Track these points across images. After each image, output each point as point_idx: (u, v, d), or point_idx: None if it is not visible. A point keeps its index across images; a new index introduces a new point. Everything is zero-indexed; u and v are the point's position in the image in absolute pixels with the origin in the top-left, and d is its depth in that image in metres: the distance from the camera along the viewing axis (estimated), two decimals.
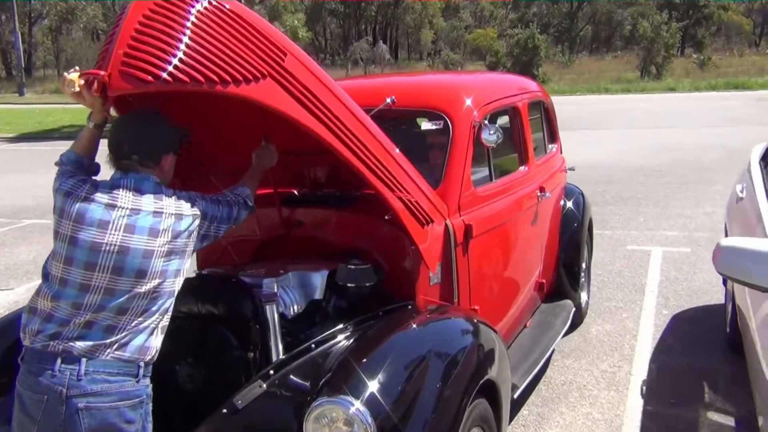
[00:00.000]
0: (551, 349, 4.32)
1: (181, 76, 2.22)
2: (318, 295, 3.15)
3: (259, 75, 2.41)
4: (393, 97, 3.72)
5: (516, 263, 4.23)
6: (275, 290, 3.00)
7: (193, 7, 2.32)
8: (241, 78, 2.35)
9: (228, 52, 2.34)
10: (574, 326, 5.23)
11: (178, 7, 2.29)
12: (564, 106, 13.76)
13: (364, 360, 2.59)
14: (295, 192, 3.71)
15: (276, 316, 2.82)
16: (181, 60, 2.23)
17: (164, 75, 2.20)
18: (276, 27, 2.79)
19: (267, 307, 2.80)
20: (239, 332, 2.84)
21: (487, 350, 3.03)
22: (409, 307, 3.24)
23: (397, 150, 3.12)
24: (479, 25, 62.67)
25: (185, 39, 2.26)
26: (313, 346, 2.84)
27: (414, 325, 2.99)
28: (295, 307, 3.09)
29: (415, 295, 3.30)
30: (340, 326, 2.97)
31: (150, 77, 2.18)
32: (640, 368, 4.76)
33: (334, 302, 3.18)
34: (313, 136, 2.67)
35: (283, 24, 37.93)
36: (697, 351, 5.01)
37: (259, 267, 3.22)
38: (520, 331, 4.40)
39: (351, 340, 2.90)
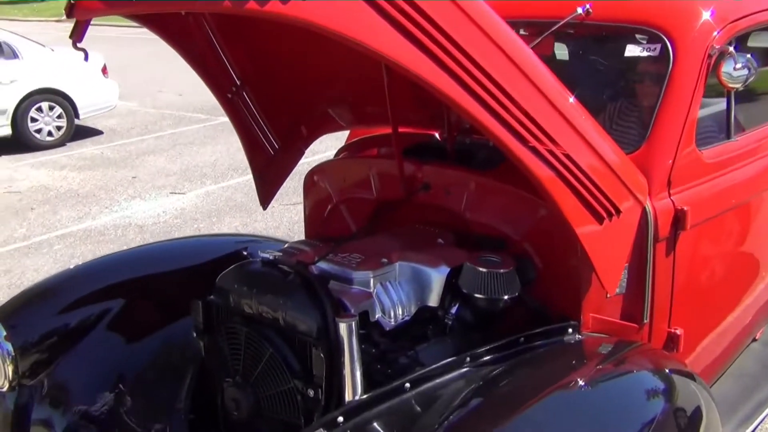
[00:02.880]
0: None
1: None
2: (433, 301, 2.18)
3: None
4: (588, 6, 2.52)
5: (745, 264, 2.90)
6: (370, 292, 2.09)
7: None
8: None
9: None
10: None
11: None
12: None
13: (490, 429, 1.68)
14: (436, 136, 2.69)
15: (355, 338, 1.91)
16: None
17: None
18: None
19: (342, 324, 1.89)
20: (301, 353, 1.98)
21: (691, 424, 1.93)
22: (570, 334, 2.17)
23: (572, 98, 1.97)
24: None
25: None
26: (408, 385, 1.91)
27: (577, 381, 1.95)
28: (399, 315, 2.15)
29: (580, 311, 2.21)
30: (455, 357, 2.01)
31: None
32: None
33: (455, 315, 2.19)
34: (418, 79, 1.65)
35: None
36: None
37: (358, 246, 2.30)
38: (743, 349, 3.10)
39: (469, 385, 1.94)
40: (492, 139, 1.86)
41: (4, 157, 9.33)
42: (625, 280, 2.28)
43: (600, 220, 2.04)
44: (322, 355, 1.90)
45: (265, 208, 2.99)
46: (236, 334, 2.08)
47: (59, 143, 9.82)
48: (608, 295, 2.21)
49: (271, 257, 2.11)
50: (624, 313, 2.33)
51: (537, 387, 1.92)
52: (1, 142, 9.44)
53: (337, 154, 3.05)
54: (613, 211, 2.07)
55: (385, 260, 2.20)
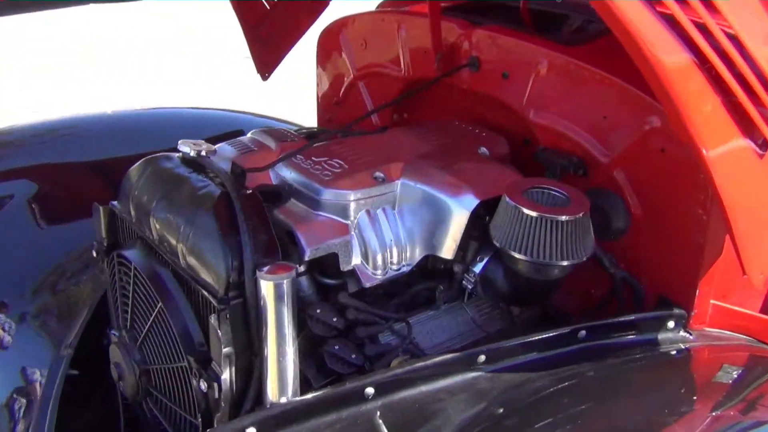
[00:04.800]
0: None
1: None
2: (446, 249, 1.33)
3: None
4: None
5: None
6: (346, 222, 1.28)
7: None
8: None
9: None
10: None
11: None
12: None
13: None
14: None
15: (288, 307, 1.11)
16: None
17: None
18: None
19: (265, 284, 1.10)
20: (205, 318, 1.21)
21: None
22: (672, 330, 1.30)
23: None
24: None
25: None
26: (370, 391, 1.13)
27: None
28: (390, 264, 1.34)
29: (694, 294, 1.32)
30: (464, 350, 1.19)
31: None
32: None
33: (479, 277, 1.34)
34: None
35: None
36: None
37: (350, 146, 1.47)
38: None
39: (479, 402, 1.14)
40: None
41: None
42: None
43: (758, 154, 1.10)
44: (219, 330, 1.12)
45: (265, 77, 2.17)
46: (126, 267, 1.34)
47: None
48: (745, 275, 1.30)
49: (192, 152, 1.30)
50: None
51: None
52: None
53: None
54: None
55: (379, 174, 1.37)
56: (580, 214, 1.19)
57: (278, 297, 1.12)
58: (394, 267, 1.36)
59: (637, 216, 1.36)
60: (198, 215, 1.19)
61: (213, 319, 1.13)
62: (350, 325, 1.29)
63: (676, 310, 1.31)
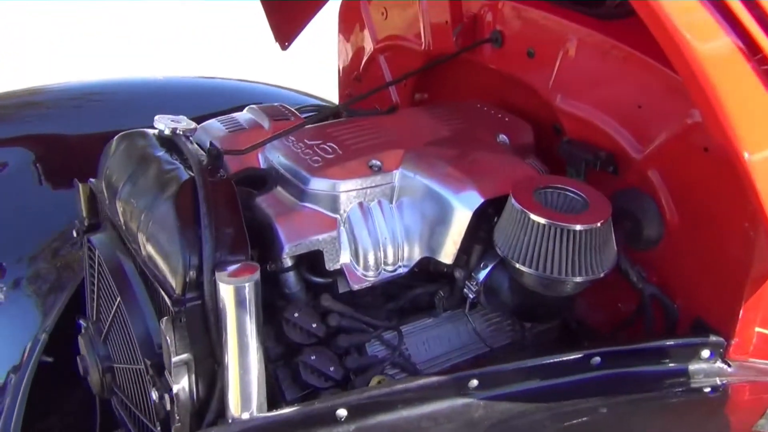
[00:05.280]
0: None
1: None
2: (446, 253, 1.17)
3: None
4: None
5: None
6: (335, 217, 1.14)
7: None
8: None
9: None
10: None
11: None
12: None
13: None
14: None
15: (251, 314, 0.97)
16: None
17: None
18: None
19: (225, 287, 0.96)
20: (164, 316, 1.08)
21: None
22: (708, 361, 1.11)
23: None
24: None
25: None
26: (343, 414, 0.98)
27: None
28: (384, 264, 1.19)
29: (736, 319, 1.12)
30: (458, 371, 1.04)
31: None
32: None
33: (482, 285, 1.17)
34: None
35: None
36: None
37: (347, 128, 1.31)
38: None
39: None
40: None
41: None
42: None
43: None
44: (170, 335, 0.98)
45: (285, 46, 2.02)
46: (92, 253, 1.22)
47: None
48: None
49: (167, 129, 1.16)
50: None
51: None
52: None
53: None
54: None
55: (375, 162, 1.21)
56: (598, 223, 1.00)
57: (239, 302, 0.98)
58: (389, 268, 1.20)
59: (673, 224, 1.16)
60: (158, 202, 1.05)
61: (164, 323, 0.99)
62: (333, 332, 1.15)
63: (713, 337, 1.12)
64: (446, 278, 1.24)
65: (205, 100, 2.01)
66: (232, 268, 0.99)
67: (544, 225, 1.00)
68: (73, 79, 2.22)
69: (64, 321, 1.42)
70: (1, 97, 1.88)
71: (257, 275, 0.98)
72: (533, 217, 1.00)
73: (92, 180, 1.32)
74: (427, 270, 1.24)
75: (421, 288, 1.25)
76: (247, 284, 0.97)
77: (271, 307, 1.14)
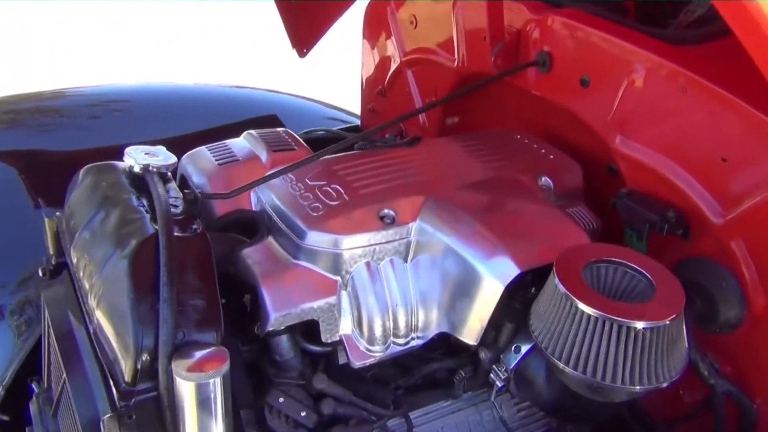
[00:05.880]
0: None
1: None
2: (469, 333, 0.94)
3: None
4: None
5: None
6: (334, 279, 0.93)
7: None
8: None
9: None
10: None
11: None
12: None
13: None
14: None
15: (218, 415, 0.76)
16: None
17: None
18: None
19: (184, 384, 0.75)
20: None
21: None
22: None
23: None
24: None
25: None
26: None
27: None
28: (395, 337, 0.97)
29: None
30: None
31: None
32: None
33: (512, 372, 0.94)
34: None
35: None
36: None
37: (354, 164, 1.09)
38: None
39: None
40: None
41: None
42: None
43: None
44: None
45: (303, 53, 1.81)
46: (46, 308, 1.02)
47: None
48: None
49: (137, 166, 0.96)
50: None
51: None
52: None
53: None
54: None
55: (388, 213, 0.99)
56: (668, 320, 0.77)
57: (201, 401, 0.77)
58: (400, 341, 0.99)
59: (757, 306, 0.92)
60: (112, 260, 0.85)
61: (106, 421, 0.79)
62: (326, 421, 0.94)
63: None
64: (469, 353, 1.02)
65: (229, 110, 1.82)
66: (197, 355, 0.78)
67: (596, 318, 0.77)
68: (92, 83, 2.03)
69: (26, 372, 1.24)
70: (9, 101, 1.71)
71: (226, 367, 0.77)
72: (582, 306, 0.78)
73: (57, 213, 1.13)
74: (446, 340, 1.03)
75: (438, 363, 1.03)
76: (211, 381, 0.76)
77: (258, 374, 0.94)
